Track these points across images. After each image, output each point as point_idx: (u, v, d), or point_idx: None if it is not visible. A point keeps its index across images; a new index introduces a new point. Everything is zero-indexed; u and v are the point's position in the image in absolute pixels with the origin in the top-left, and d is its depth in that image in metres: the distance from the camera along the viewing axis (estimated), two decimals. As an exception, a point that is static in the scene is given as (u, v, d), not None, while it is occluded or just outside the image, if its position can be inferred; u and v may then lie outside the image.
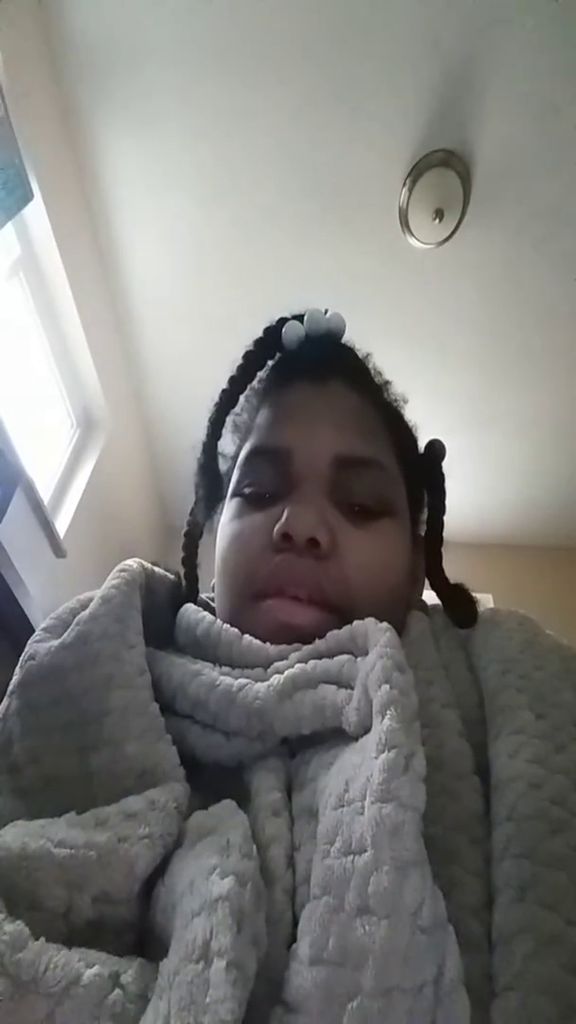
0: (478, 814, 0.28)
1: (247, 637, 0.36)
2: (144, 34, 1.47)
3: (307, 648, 0.33)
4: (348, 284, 1.84)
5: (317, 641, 0.33)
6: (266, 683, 0.31)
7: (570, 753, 0.28)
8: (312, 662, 0.31)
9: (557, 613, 0.67)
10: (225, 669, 0.34)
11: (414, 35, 1.42)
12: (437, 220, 1.63)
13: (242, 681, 0.32)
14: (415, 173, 1.61)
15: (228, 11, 1.42)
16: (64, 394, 1.96)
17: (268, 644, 0.35)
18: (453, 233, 1.66)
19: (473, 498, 2.32)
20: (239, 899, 0.22)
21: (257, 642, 0.35)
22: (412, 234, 1.69)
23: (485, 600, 0.43)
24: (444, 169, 1.59)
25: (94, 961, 0.20)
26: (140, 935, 0.25)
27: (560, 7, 1.32)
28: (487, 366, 2.01)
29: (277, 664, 0.33)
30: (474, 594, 0.43)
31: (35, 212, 1.59)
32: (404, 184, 1.64)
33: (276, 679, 0.31)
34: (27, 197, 1.49)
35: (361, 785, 0.23)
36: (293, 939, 0.23)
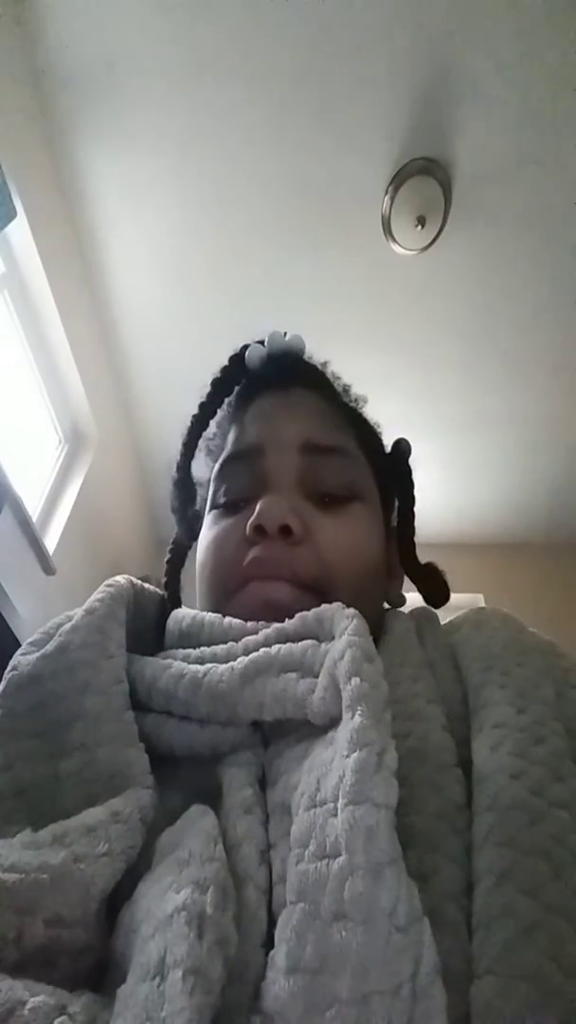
0: (459, 804, 0.28)
1: (228, 618, 0.37)
2: (125, 51, 1.49)
3: (276, 627, 0.34)
4: (334, 290, 1.85)
5: (287, 620, 0.33)
6: (229, 665, 0.32)
7: (549, 745, 0.29)
8: (276, 646, 0.32)
9: (547, 610, 0.67)
10: (195, 655, 0.35)
11: (392, 47, 1.43)
12: (419, 227, 1.65)
13: (208, 666, 0.33)
14: (397, 181, 1.63)
15: (209, 26, 1.43)
16: (51, 410, 1.95)
17: (247, 622, 0.36)
18: (435, 239, 1.68)
19: (460, 498, 2.32)
20: (197, 906, 0.21)
21: (237, 620, 0.36)
22: (395, 240, 1.71)
23: (476, 600, 0.44)
24: (425, 177, 1.61)
25: (40, 991, 0.20)
26: (99, 959, 0.25)
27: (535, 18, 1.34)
28: (472, 368, 2.02)
29: (247, 640, 0.34)
30: (466, 594, 0.43)
31: (19, 230, 1.59)
32: (386, 192, 1.66)
33: (240, 660, 0.32)
34: (10, 215, 1.50)
35: (333, 785, 0.23)
36: (269, 938, 0.23)
